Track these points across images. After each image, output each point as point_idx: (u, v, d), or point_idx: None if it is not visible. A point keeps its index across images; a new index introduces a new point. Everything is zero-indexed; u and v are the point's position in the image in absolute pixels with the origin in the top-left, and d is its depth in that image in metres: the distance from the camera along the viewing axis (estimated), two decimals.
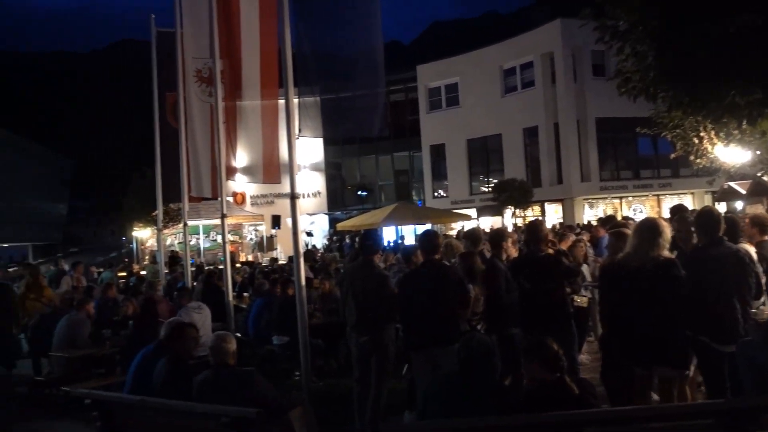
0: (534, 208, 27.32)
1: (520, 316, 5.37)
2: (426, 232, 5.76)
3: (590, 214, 27.10)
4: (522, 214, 26.59)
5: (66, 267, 18.17)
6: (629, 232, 5.08)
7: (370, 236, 5.94)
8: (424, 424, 3.22)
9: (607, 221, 9.95)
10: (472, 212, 27.69)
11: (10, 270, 16.82)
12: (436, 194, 32.28)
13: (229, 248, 9.70)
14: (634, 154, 28.46)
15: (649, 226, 4.49)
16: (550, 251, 5.85)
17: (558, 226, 17.21)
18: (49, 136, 68.47)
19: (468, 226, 24.47)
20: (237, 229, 26.11)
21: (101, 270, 18.75)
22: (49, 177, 50.34)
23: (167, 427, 4.35)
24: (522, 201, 24.90)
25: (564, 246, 6.98)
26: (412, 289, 5.25)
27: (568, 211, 26.92)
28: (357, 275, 5.68)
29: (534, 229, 5.60)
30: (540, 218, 24.11)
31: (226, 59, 8.76)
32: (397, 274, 7.01)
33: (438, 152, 31.93)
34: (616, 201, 28.36)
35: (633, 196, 28.56)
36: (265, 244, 27.15)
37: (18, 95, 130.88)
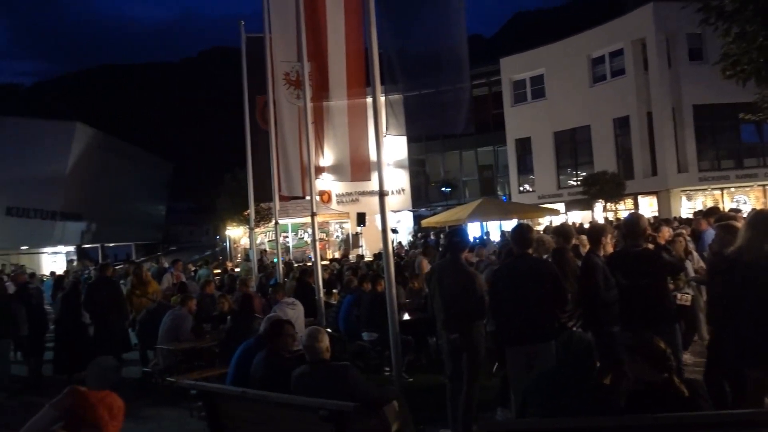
0: (626, 201, 26.21)
1: (621, 313, 5.15)
2: (518, 226, 5.62)
3: (688, 206, 25.70)
4: (613, 208, 25.58)
5: (166, 264, 19.21)
6: (739, 225, 4.78)
7: (457, 233, 5.89)
8: (525, 422, 3.15)
9: (710, 213, 9.37)
10: (560, 207, 26.95)
11: (118, 268, 17.97)
12: (521, 189, 31.64)
13: (317, 246, 9.92)
14: (736, 141, 26.71)
15: (764, 219, 4.19)
16: (650, 246, 5.59)
17: (652, 220, 16.44)
18: (149, 141, 72.59)
19: (556, 220, 23.88)
20: (324, 227, 26.72)
21: (198, 267, 19.63)
22: (151, 180, 53.36)
23: (267, 417, 4.51)
24: (613, 194, 23.95)
25: (659, 241, 6.66)
26: (504, 285, 5.15)
27: (664, 204, 25.64)
28: (444, 273, 5.64)
29: (632, 222, 5.35)
30: (638, 212, 23.10)
31: (314, 61, 8.96)
32: (488, 269, 6.92)
33: (523, 146, 31.27)
34: (717, 192, 26.68)
35: (736, 187, 26.78)
36: (351, 242, 27.62)
37: (121, 104, 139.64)
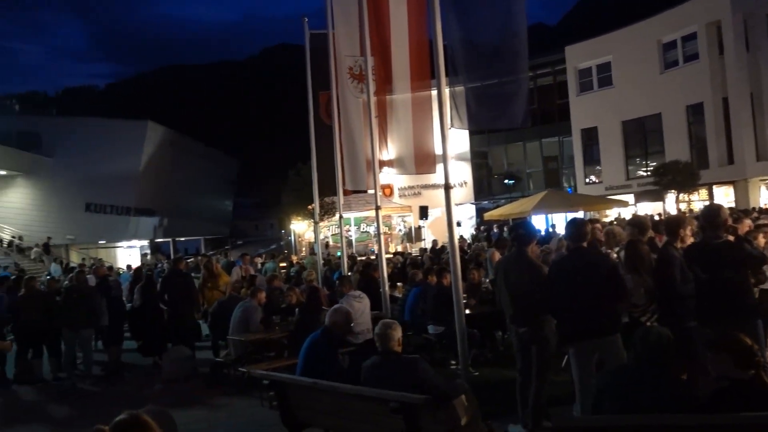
0: (700, 191, 25.07)
1: (697, 308, 4.95)
2: (572, 220, 5.51)
3: (767, 197, 24.39)
4: (686, 199, 24.53)
5: (233, 258, 19.81)
6: None
7: (523, 225, 5.81)
8: (602, 418, 3.08)
9: None
10: (629, 198, 26.06)
11: (189, 261, 18.62)
12: (588, 180, 30.80)
13: (382, 240, 9.97)
14: None
15: None
16: (730, 238, 5.34)
17: (731, 211, 15.66)
18: (215, 139, 74.87)
19: (624, 212, 23.13)
20: (386, 221, 26.82)
21: (264, 261, 20.15)
22: (218, 176, 55.06)
23: (337, 408, 4.60)
24: (687, 184, 22.94)
25: (740, 232, 6.35)
26: (561, 279, 5.04)
27: (741, 194, 24.40)
28: (511, 267, 5.57)
29: (712, 213, 5.12)
30: (717, 202, 22.08)
31: (377, 55, 8.99)
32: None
33: (590, 136, 30.39)
34: None
35: None
36: (413, 235, 27.62)
37: (188, 103, 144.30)
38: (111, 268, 21.25)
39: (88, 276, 12.46)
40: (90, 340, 10.62)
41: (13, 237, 35.13)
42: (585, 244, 5.17)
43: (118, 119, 43.72)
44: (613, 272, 4.88)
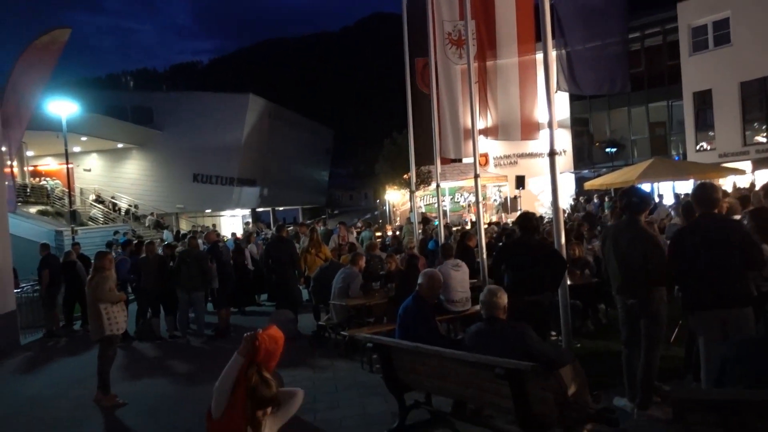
0: None
1: None
2: (702, 184, 5.11)
3: None
4: None
5: (331, 227, 20.28)
6: None
7: (637, 193, 5.45)
8: (726, 392, 2.91)
9: None
10: (745, 165, 24.16)
11: (290, 229, 19.27)
12: (699, 147, 28.79)
13: (481, 209, 9.85)
14: None
15: None
16: None
17: None
18: (311, 109, 76.47)
19: (740, 181, 21.50)
20: (482, 191, 26.45)
21: (361, 229, 20.51)
22: (314, 147, 56.29)
23: (441, 372, 4.64)
24: None
25: None
26: (690, 246, 4.72)
27: None
28: (621, 235, 5.30)
29: None
30: None
31: (479, 19, 8.77)
32: (669, 229, 6.44)
33: (703, 99, 28.30)
34: None
35: None
36: (509, 205, 27.11)
37: (286, 76, 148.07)
38: (219, 235, 22.40)
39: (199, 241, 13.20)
40: (202, 301, 11.30)
41: (130, 206, 37.77)
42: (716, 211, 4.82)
43: (222, 93, 45.52)
44: (746, 238, 4.52)
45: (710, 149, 28.17)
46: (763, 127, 26.31)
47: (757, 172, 24.48)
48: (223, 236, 28.47)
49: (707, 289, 4.51)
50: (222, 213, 45.26)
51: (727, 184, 21.85)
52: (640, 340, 5.25)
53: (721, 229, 4.62)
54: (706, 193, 4.79)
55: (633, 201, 5.31)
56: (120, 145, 38.27)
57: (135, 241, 13.09)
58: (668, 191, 23.24)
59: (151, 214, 35.64)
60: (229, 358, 2.89)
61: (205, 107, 39.01)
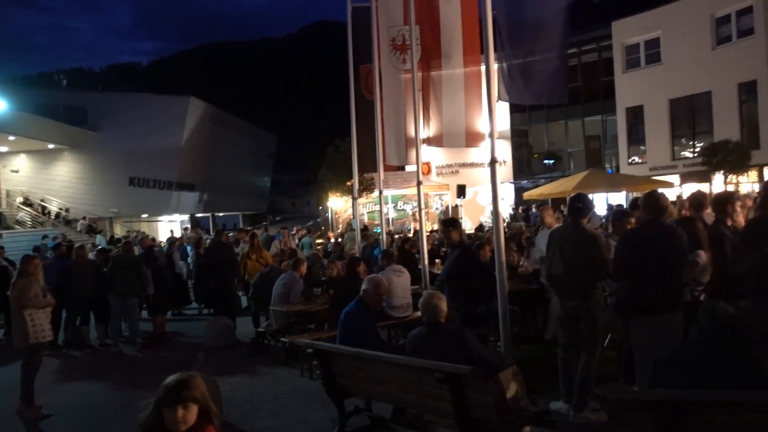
0: (750, 173, 24.20)
1: (755, 286, 4.77)
2: (652, 191, 5.31)
3: None
4: (735, 181, 23.70)
5: (273, 233, 20.04)
6: None
7: (580, 198, 5.66)
8: (663, 392, 3.00)
9: None
10: (674, 179, 25.33)
11: (230, 235, 18.90)
12: (631, 161, 30.02)
13: (423, 216, 9.91)
14: None
15: None
16: None
17: None
18: (254, 115, 75.53)
19: (669, 194, 22.48)
20: (424, 199, 26.70)
21: (301, 236, 20.36)
22: (256, 152, 55.46)
23: (382, 377, 4.61)
24: (737, 165, 22.17)
25: None
26: (633, 251, 4.88)
27: None
28: (566, 238, 5.47)
29: None
30: None
31: (424, 26, 8.85)
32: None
33: (635, 115, 29.54)
34: None
35: None
36: (450, 214, 27.46)
37: (229, 80, 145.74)
38: (154, 240, 21.74)
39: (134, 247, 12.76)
40: (135, 308, 10.90)
41: (60, 209, 36.18)
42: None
43: (162, 95, 44.32)
44: (684, 249, 4.72)
45: (641, 163, 29.40)
46: (690, 142, 27.67)
47: (684, 186, 25.68)
48: (160, 241, 27.73)
49: (644, 295, 4.66)
50: (159, 218, 43.97)
51: None
52: (577, 343, 5.38)
53: (663, 236, 4.79)
54: (654, 201, 4.97)
55: (577, 206, 5.51)
56: (51, 146, 36.64)
57: (65, 246, 12.50)
58: (601, 202, 24.09)
59: (83, 218, 34.26)
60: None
61: (144, 109, 37.85)
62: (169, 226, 43.60)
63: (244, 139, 51.36)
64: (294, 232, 15.48)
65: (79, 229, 32.75)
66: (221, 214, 50.93)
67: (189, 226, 42.26)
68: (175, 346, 10.52)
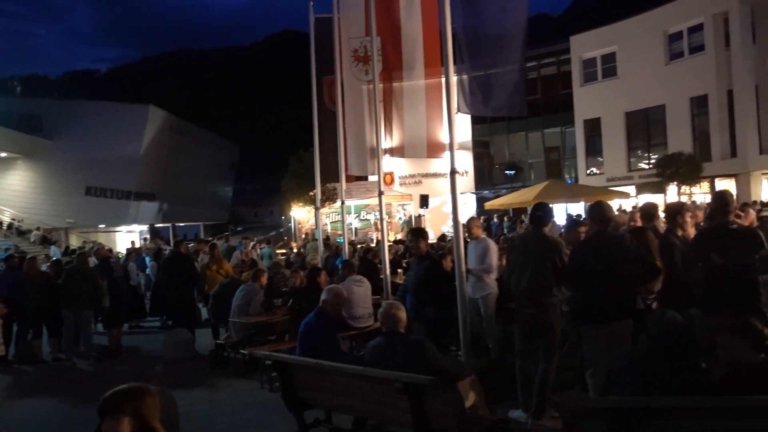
0: (702, 184, 25.04)
1: (704, 294, 4.93)
2: (598, 202, 5.45)
3: None
4: (688, 192, 24.48)
5: (234, 243, 19.82)
6: None
7: (541, 207, 5.77)
8: (615, 400, 3.06)
9: None
10: (630, 190, 26.01)
11: (190, 246, 18.63)
12: (589, 171, 30.73)
13: (386, 226, 9.94)
14: None
15: None
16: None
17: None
18: (216, 124, 74.68)
19: (625, 204, 23.08)
20: (387, 209, 26.78)
21: (262, 247, 20.21)
22: (219, 162, 54.85)
23: (342, 388, 4.58)
24: (690, 177, 22.92)
25: (744, 223, 6.32)
26: (583, 261, 4.98)
27: (743, 187, 24.35)
28: (528, 246, 5.55)
29: (723, 199, 5.06)
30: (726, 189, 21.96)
31: (385, 37, 8.91)
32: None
33: (593, 127, 30.28)
34: None
35: None
36: (413, 224, 27.58)
37: (191, 89, 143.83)
38: (111, 251, 21.22)
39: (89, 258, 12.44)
40: (90, 321, 10.63)
41: (14, 219, 35.07)
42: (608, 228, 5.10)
43: (120, 103, 43.51)
44: (636, 255, 4.83)
45: (599, 174, 30.11)
46: (646, 154, 28.47)
47: (640, 196, 26.37)
48: (118, 252, 27.10)
49: (594, 303, 4.76)
50: (118, 228, 43.03)
51: (613, 206, 23.34)
52: (535, 351, 5.46)
53: (612, 246, 4.91)
54: (599, 212, 5.10)
55: (538, 214, 5.62)
56: (3, 155, 35.56)
57: (17, 257, 12.10)
58: (561, 213, 24.55)
59: (37, 228, 33.26)
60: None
61: (102, 117, 37.08)
62: (127, 237, 42.67)
63: (206, 149, 50.76)
64: (254, 242, 15.30)
65: (32, 240, 31.81)
66: (182, 224, 50.13)
67: (148, 236, 41.45)
68: (133, 359, 10.28)
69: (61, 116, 37.10)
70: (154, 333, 12.58)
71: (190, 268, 11.03)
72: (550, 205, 5.90)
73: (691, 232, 5.74)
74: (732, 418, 2.77)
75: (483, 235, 8.47)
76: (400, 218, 29.23)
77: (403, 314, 4.48)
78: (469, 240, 8.26)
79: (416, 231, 7.74)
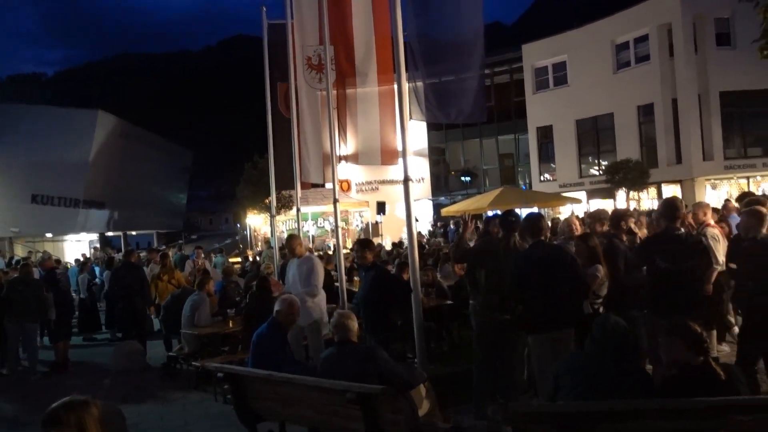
0: (650, 190, 25.86)
1: (648, 298, 5.08)
2: (528, 215, 5.62)
3: (713, 195, 25.28)
4: (636, 197, 25.23)
5: (188, 252, 19.45)
6: (766, 210, 4.74)
7: (513, 213, 5.87)
8: (562, 405, 3.12)
9: (741, 198, 9.16)
10: (581, 195, 26.69)
11: (142, 255, 18.21)
12: (542, 178, 31.37)
13: (341, 234, 9.89)
14: (764, 129, 26.12)
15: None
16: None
17: None
18: (169, 130, 73.21)
19: (577, 209, 23.67)
20: (344, 216, 26.73)
21: (215, 255, 19.90)
22: (172, 168, 53.60)
23: (294, 399, 4.53)
24: (637, 183, 23.65)
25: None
26: (523, 272, 5.08)
27: (688, 193, 25.23)
28: (493, 251, 5.60)
29: (671, 205, 5.22)
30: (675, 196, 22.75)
31: (338, 45, 8.90)
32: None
33: (545, 134, 30.95)
34: (743, 181, 26.20)
35: (762, 175, 26.29)
36: (371, 231, 27.61)
37: (142, 93, 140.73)
38: (59, 261, 20.56)
39: (34, 269, 12.01)
40: (35, 334, 10.24)
41: None
42: (543, 238, 5.22)
43: (67, 108, 42.16)
44: (572, 264, 4.94)
45: (552, 180, 30.77)
46: (596, 161, 29.24)
47: (591, 201, 27.08)
48: (67, 263, 26.23)
49: (540, 312, 4.84)
50: (65, 237, 41.58)
51: (566, 211, 23.92)
52: (492, 358, 5.51)
53: (550, 255, 5.01)
54: (531, 223, 5.22)
55: (510, 220, 5.71)
56: None
57: None
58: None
59: None
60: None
61: (48, 122, 35.76)
62: (76, 246, 41.36)
63: (159, 155, 49.58)
64: (204, 256, 14.99)
65: None
66: (134, 233, 48.83)
67: (98, 245, 40.29)
68: (81, 372, 9.94)
69: (4, 121, 35.65)
70: (105, 346, 12.22)
71: (140, 278, 10.77)
72: (519, 214, 6.01)
73: (644, 233, 5.93)
74: (673, 419, 2.86)
75: (307, 254, 8.17)
76: (357, 225, 29.22)
77: (354, 323, 4.46)
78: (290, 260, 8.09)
79: (363, 242, 7.66)
